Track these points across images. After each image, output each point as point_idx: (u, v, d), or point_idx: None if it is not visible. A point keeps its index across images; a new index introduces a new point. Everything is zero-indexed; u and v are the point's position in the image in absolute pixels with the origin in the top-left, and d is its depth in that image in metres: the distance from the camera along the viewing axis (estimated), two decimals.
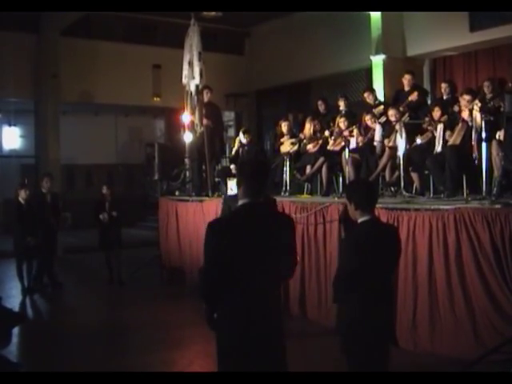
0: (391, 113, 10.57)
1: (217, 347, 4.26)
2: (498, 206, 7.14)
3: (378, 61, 14.15)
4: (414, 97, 11.38)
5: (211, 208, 11.15)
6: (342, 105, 12.37)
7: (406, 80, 11.72)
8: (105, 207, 11.98)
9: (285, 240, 4.32)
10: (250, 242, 4.17)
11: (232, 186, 11.18)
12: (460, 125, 9.49)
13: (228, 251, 4.13)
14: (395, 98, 12.07)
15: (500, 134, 8.39)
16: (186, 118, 12.66)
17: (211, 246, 4.21)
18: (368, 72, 14.81)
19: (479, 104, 8.92)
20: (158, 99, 18.69)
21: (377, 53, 14.15)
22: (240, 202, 4.33)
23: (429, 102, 12.42)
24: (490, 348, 6.52)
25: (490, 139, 8.49)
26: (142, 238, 16.77)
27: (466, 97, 9.60)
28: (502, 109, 8.60)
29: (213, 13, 15.93)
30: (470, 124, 9.15)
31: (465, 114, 9.40)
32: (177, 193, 13.51)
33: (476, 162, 8.71)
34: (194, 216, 11.74)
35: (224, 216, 4.54)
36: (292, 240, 4.45)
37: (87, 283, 12.59)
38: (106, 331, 9.12)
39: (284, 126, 12.63)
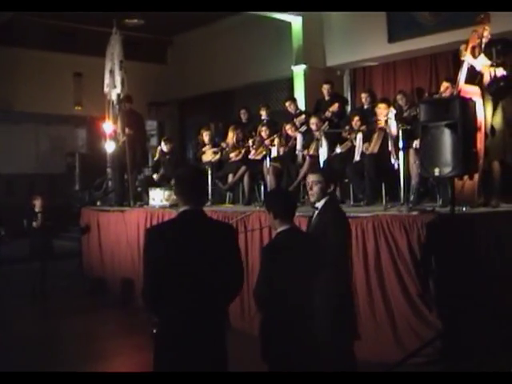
0: (313, 121, 10.68)
1: (154, 359, 4.10)
2: (414, 213, 7.30)
3: (299, 71, 14.35)
4: (334, 108, 11.58)
5: (133, 218, 11.06)
6: (263, 114, 12.44)
7: (325, 90, 11.92)
8: (37, 216, 11.74)
9: (227, 249, 4.19)
10: (187, 250, 4.02)
11: (154, 196, 11.12)
12: (377, 133, 9.70)
13: (165, 259, 4.00)
14: (316, 107, 12.25)
15: (416, 143, 8.58)
16: (108, 127, 12.53)
17: (149, 253, 4.11)
18: (290, 81, 14.97)
19: (394, 112, 9.13)
20: (80, 108, 18.48)
21: (298, 63, 14.34)
22: (180, 210, 4.22)
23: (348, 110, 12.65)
24: (411, 351, 6.63)
25: (407, 148, 8.69)
26: (64, 249, 16.41)
27: (381, 105, 9.83)
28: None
29: (135, 21, 15.83)
30: (387, 132, 9.36)
31: (381, 123, 9.61)
32: (98, 203, 13.35)
33: (392, 169, 8.90)
34: (116, 226, 11.61)
35: (162, 222, 4.40)
36: (235, 248, 4.29)
37: (8, 296, 12.26)
38: (28, 344, 8.88)
39: (206, 136, 12.62)
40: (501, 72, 8.00)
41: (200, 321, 4.02)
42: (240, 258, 4.34)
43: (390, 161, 9.13)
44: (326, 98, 11.98)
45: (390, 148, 9.21)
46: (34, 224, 11.61)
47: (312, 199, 5.57)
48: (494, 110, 8.23)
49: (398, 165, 8.62)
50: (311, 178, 5.56)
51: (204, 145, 12.56)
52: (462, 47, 8.95)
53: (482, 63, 8.33)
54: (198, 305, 4.01)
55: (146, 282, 4.10)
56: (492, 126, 8.20)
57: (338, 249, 5.31)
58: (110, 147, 12.57)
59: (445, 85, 9.75)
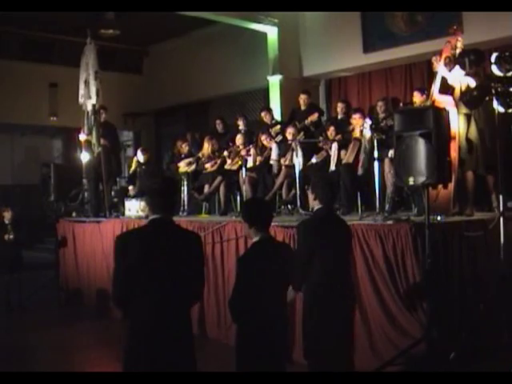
0: (289, 131, 10.73)
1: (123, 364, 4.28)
2: (390, 222, 7.33)
3: (274, 81, 14.37)
4: (314, 117, 11.63)
5: (108, 229, 11.01)
6: (241, 124, 12.46)
7: (302, 100, 11.98)
8: (6, 228, 11.65)
9: (191, 256, 4.34)
10: (153, 256, 4.18)
11: (130, 207, 11.08)
12: (352, 143, 9.76)
13: (132, 266, 4.16)
14: (291, 116, 12.29)
15: (391, 152, 8.63)
16: (83, 137, 12.46)
17: (117, 258, 4.27)
18: (265, 92, 14.99)
19: (369, 122, 9.19)
20: (55, 118, 18.35)
21: (274, 73, 14.37)
22: (149, 218, 4.38)
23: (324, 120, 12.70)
24: (386, 360, 6.64)
25: (382, 157, 8.75)
26: (39, 260, 16.31)
27: (356, 116, 9.90)
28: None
29: (110, 31, 15.78)
30: (362, 142, 9.43)
31: (356, 133, 9.67)
32: (74, 214, 13.26)
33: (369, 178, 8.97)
34: (91, 237, 11.55)
35: (132, 229, 4.58)
36: (199, 257, 4.48)
37: None
38: (3, 357, 8.80)
39: (185, 147, 12.65)
40: (473, 82, 8.08)
41: (165, 322, 4.18)
42: (202, 266, 4.55)
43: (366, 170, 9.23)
44: (303, 107, 12.04)
45: (360, 157, 9.32)
46: (6, 237, 11.51)
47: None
48: (468, 123, 8.32)
49: (371, 174, 8.68)
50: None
51: (180, 155, 12.56)
52: (434, 59, 9.05)
53: (456, 75, 8.41)
54: (162, 307, 4.18)
55: (114, 285, 4.29)
56: (469, 139, 8.29)
57: (298, 253, 5.47)
58: (85, 158, 12.50)
59: (415, 94, 9.87)
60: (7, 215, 11.72)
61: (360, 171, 9.36)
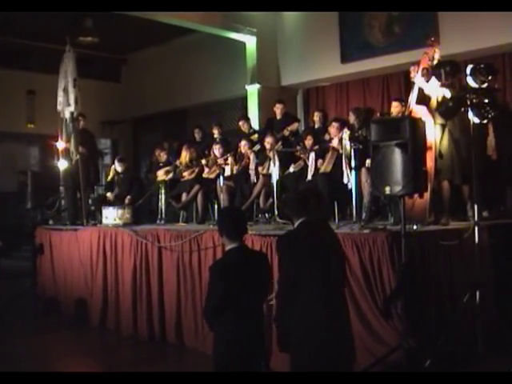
0: (268, 140, 10.75)
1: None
2: (366, 231, 7.36)
3: (253, 90, 14.45)
4: (294, 127, 11.70)
5: (85, 237, 10.94)
6: (216, 132, 12.51)
7: (278, 109, 12.04)
8: None
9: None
10: (315, 250, 4.82)
11: (107, 215, 11.04)
12: (330, 152, 9.81)
13: (297, 260, 4.84)
14: (267, 126, 12.34)
15: (368, 162, 8.69)
16: (61, 145, 12.41)
17: (282, 260, 5.01)
18: (244, 101, 15.06)
19: (348, 132, 9.26)
20: (32, 126, 18.30)
21: (252, 82, 14.45)
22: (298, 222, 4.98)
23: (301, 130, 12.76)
24: (363, 368, 6.67)
25: (359, 167, 8.81)
26: (16, 269, 16.19)
27: (335, 124, 9.96)
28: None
29: (89, 38, 15.78)
30: (340, 151, 9.48)
31: (335, 142, 9.73)
32: (51, 222, 13.19)
33: (345, 188, 9.02)
34: (69, 245, 11.47)
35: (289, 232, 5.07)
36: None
37: None
38: None
39: (163, 155, 12.63)
40: (448, 93, 8.17)
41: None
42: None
43: (343, 180, 9.26)
44: (278, 117, 12.10)
45: (344, 167, 9.34)
46: None
47: None
48: (442, 133, 8.43)
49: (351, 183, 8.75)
50: None
51: (158, 163, 12.56)
52: (412, 68, 9.14)
53: (433, 86, 8.50)
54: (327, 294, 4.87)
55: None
56: (439, 151, 8.40)
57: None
58: (62, 165, 12.45)
59: (394, 104, 9.95)
60: None
61: (346, 180, 9.32)
